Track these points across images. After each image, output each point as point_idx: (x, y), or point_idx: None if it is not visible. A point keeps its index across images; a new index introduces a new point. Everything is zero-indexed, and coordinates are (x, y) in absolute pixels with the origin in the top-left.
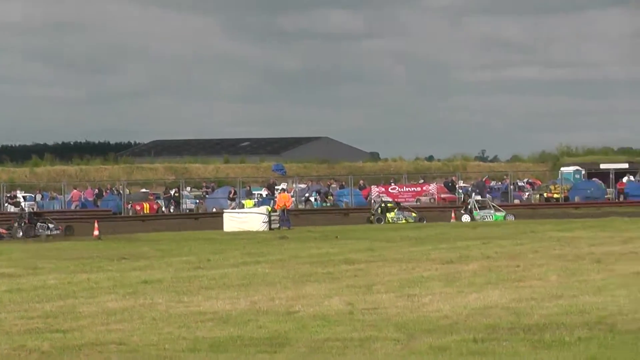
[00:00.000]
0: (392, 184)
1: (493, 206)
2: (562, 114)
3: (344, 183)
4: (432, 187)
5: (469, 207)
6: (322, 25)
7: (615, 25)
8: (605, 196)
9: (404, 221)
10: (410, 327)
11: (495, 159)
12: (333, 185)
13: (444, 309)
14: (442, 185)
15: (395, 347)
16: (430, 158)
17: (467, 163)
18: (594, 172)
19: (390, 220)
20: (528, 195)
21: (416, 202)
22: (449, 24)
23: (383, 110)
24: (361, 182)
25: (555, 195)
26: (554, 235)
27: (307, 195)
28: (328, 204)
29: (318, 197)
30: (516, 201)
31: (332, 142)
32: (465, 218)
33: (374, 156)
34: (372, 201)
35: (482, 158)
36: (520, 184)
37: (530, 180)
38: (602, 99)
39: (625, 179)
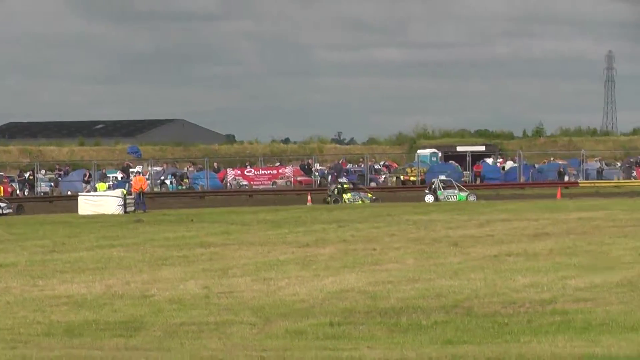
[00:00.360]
0: (248, 166)
1: (457, 186)
2: (418, 95)
3: (201, 166)
4: (289, 170)
5: (433, 186)
6: (177, 6)
7: (469, 7)
8: (462, 179)
9: (360, 202)
10: (266, 311)
11: (352, 142)
12: (190, 169)
13: (300, 293)
14: (299, 168)
15: (252, 331)
16: (286, 140)
17: (323, 145)
18: (450, 155)
19: (347, 201)
20: (384, 178)
21: (272, 185)
22: (304, 5)
23: (238, 92)
24: (216, 164)
25: (412, 178)
26: (411, 218)
27: (162, 178)
28: (184, 187)
29: (174, 180)
30: (372, 184)
31: (188, 125)
32: (429, 198)
33: (230, 139)
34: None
35: (339, 140)
36: (376, 166)
37: (386, 163)
38: (459, 80)
39: (485, 162)
